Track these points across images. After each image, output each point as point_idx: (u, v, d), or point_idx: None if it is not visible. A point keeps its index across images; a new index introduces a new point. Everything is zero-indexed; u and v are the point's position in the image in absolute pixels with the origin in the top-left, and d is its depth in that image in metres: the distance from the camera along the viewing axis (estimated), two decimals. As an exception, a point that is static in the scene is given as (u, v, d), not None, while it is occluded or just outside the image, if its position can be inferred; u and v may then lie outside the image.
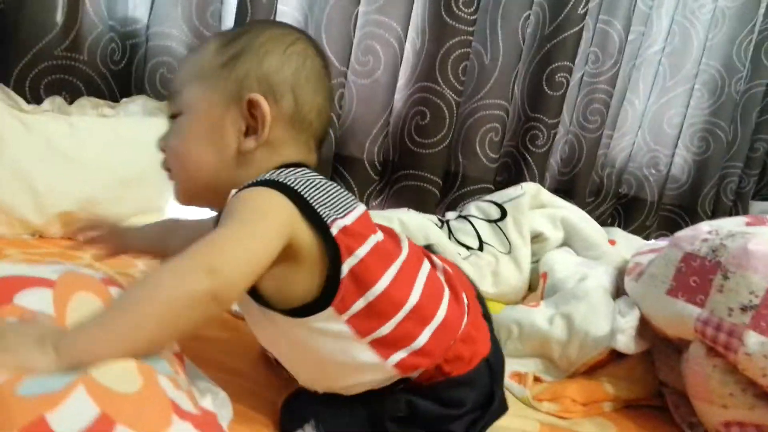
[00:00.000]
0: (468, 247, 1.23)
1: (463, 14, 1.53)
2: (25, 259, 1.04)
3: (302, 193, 0.64)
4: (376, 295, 0.64)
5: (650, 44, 1.86)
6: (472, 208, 1.32)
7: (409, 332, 0.67)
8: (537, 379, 1.01)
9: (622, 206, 2.02)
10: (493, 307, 1.16)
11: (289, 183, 0.64)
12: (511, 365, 1.04)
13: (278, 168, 0.68)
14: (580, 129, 1.82)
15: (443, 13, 1.53)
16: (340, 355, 0.66)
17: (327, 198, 0.66)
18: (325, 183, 0.69)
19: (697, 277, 0.91)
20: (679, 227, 1.98)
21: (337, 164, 1.55)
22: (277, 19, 1.39)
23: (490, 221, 1.27)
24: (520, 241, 1.22)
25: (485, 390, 0.73)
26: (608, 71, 1.78)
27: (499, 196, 1.30)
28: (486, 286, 1.19)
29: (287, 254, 0.63)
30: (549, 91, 1.68)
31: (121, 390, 0.49)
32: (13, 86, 1.20)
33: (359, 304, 0.64)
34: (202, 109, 0.70)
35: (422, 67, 1.58)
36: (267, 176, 0.66)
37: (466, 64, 1.57)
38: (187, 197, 0.74)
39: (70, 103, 1.25)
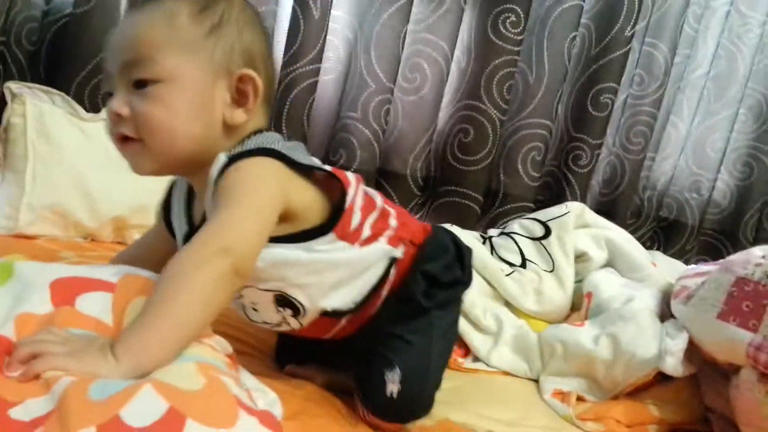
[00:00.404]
0: (511, 264, 1.23)
1: (509, 34, 1.54)
2: (80, 262, 1.07)
3: (289, 155, 0.71)
4: (359, 217, 0.76)
5: (695, 67, 1.85)
6: (515, 225, 1.32)
7: (382, 226, 0.79)
8: (580, 399, 1.01)
9: (662, 229, 1.99)
10: (536, 326, 1.17)
11: (277, 148, 0.71)
12: (554, 384, 1.05)
13: (252, 134, 0.74)
14: (623, 150, 1.81)
15: (490, 32, 1.55)
16: (345, 261, 0.76)
17: (305, 156, 0.76)
18: (295, 143, 0.78)
19: (750, 301, 0.90)
20: (720, 253, 1.96)
21: (380, 178, 1.57)
22: (328, 37, 1.43)
23: (533, 239, 1.27)
24: (564, 260, 1.22)
25: (450, 239, 0.88)
26: (653, 93, 1.78)
27: (542, 214, 1.30)
28: (529, 304, 1.19)
29: (286, 214, 0.71)
30: (593, 112, 1.68)
31: (186, 387, 0.51)
32: (73, 95, 1.25)
33: (352, 224, 0.75)
34: (189, 79, 0.70)
35: (467, 85, 1.60)
36: (253, 144, 0.72)
37: (511, 83, 1.58)
38: (158, 167, 0.73)
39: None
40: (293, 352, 0.90)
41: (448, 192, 1.63)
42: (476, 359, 1.12)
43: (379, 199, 0.82)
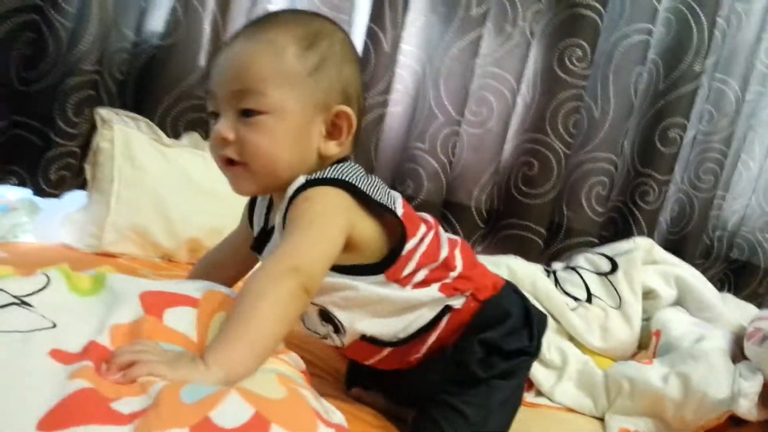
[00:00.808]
0: (576, 298, 1.22)
1: (575, 68, 1.55)
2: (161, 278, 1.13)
3: (363, 188, 0.74)
4: (416, 262, 0.77)
5: (767, 105, 1.81)
6: (581, 259, 1.31)
7: (440, 276, 0.79)
8: (647, 439, 0.98)
9: (732, 271, 1.93)
10: (601, 362, 1.15)
11: (351, 180, 0.74)
12: (620, 422, 1.02)
13: (335, 163, 0.77)
14: (692, 188, 1.78)
15: (556, 66, 1.56)
16: (391, 299, 0.76)
17: (381, 192, 0.77)
18: (374, 177, 0.80)
19: (830, 345, 0.87)
20: (794, 297, 1.88)
21: (445, 209, 1.58)
22: (397, 69, 1.47)
23: (599, 274, 1.25)
24: (632, 296, 1.20)
25: (519, 305, 0.84)
26: (723, 130, 1.75)
27: (609, 249, 1.29)
28: (594, 340, 1.17)
29: (347, 243, 0.73)
30: (661, 148, 1.66)
31: (269, 396, 0.54)
32: (157, 122, 1.32)
33: (405, 271, 0.76)
34: (292, 113, 0.75)
35: (532, 118, 1.61)
36: (330, 173, 0.75)
37: (576, 117, 1.58)
38: (257, 189, 0.80)
39: (206, 139, 1.36)
40: (362, 377, 0.90)
41: (512, 224, 1.63)
42: (539, 393, 1.11)
43: (445, 250, 0.81)
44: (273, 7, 1.42)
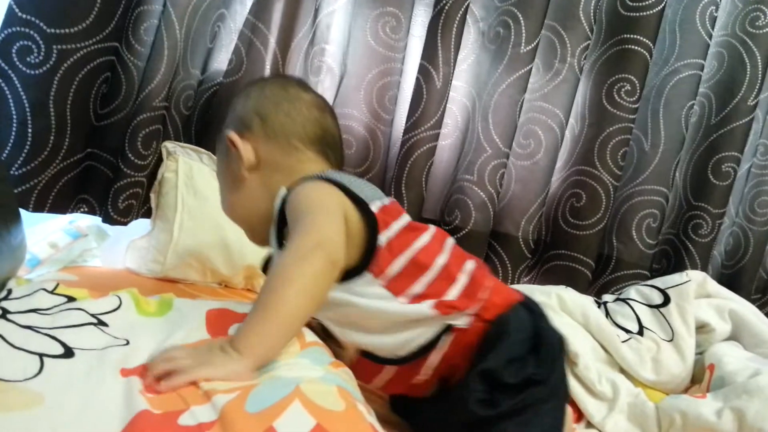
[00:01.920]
0: (627, 331, 1.21)
1: (624, 102, 1.56)
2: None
3: (341, 182, 0.77)
4: (407, 260, 0.75)
5: (824, 138, 1.78)
6: (632, 291, 1.30)
7: (439, 289, 0.75)
8: (701, 475, 0.96)
9: (790, 307, 1.88)
10: (653, 395, 1.13)
11: (329, 177, 0.78)
12: (672, 457, 1.01)
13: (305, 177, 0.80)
14: (747, 221, 1.75)
15: (604, 101, 1.58)
16: (384, 312, 0.74)
17: (362, 186, 0.80)
18: (357, 179, 0.82)
19: None
20: None
21: (492, 240, 1.60)
22: (448, 105, 1.51)
23: (651, 306, 1.24)
24: (684, 329, 1.18)
25: (528, 325, 0.76)
26: (779, 164, 1.72)
27: (661, 281, 1.27)
28: (646, 373, 1.16)
29: None
30: (714, 181, 1.65)
31: (330, 407, 0.56)
32: (218, 154, 1.38)
33: (392, 268, 0.74)
34: (219, 168, 0.94)
35: (581, 151, 1.62)
36: (307, 177, 0.80)
37: (625, 149, 1.59)
38: (250, 235, 0.95)
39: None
40: (403, 407, 0.87)
41: (559, 256, 1.63)
42: (590, 425, 1.10)
43: (444, 257, 0.78)
44: (330, 47, 1.49)
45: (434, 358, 0.75)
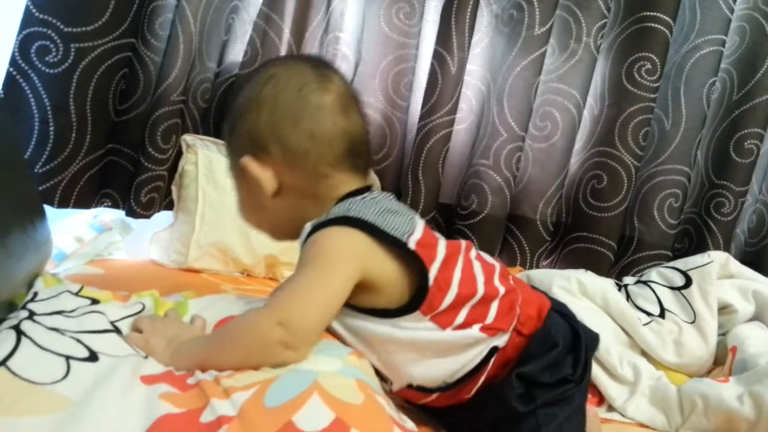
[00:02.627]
0: (648, 313, 1.21)
1: (645, 81, 1.54)
2: (240, 293, 1.19)
3: (372, 221, 0.70)
4: (454, 295, 0.71)
5: None
6: (653, 273, 1.29)
7: (480, 315, 0.73)
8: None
9: (818, 284, 1.84)
10: (675, 378, 1.13)
11: (359, 216, 0.70)
12: (694, 439, 1.01)
13: (339, 201, 0.75)
14: (771, 198, 1.72)
15: (624, 80, 1.56)
16: (434, 341, 0.71)
17: (393, 221, 0.72)
18: (387, 207, 0.74)
19: None
20: None
21: (510, 223, 1.59)
22: (463, 89, 1.50)
23: (673, 288, 1.23)
24: (707, 311, 1.18)
25: (566, 330, 0.77)
26: (804, 139, 1.68)
27: (683, 263, 1.26)
28: (668, 355, 1.15)
29: (364, 285, 0.69)
30: (737, 158, 1.62)
31: (349, 401, 0.57)
32: (237, 146, 1.39)
33: (443, 305, 0.71)
34: (234, 180, 0.81)
35: (600, 131, 1.61)
36: (336, 213, 0.73)
37: (646, 129, 1.57)
38: (272, 238, 0.84)
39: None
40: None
41: (580, 238, 1.62)
42: (611, 408, 1.10)
43: (480, 280, 0.75)
44: (344, 35, 1.49)
45: (481, 379, 0.75)
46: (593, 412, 0.97)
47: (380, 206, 0.74)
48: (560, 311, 0.81)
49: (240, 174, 0.77)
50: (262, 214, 0.79)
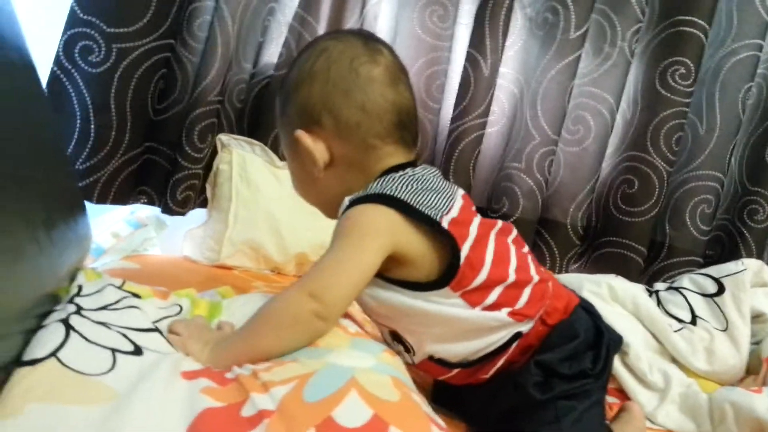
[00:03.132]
0: (679, 320, 1.20)
1: (679, 86, 1.52)
2: (270, 291, 1.21)
3: (407, 200, 0.72)
4: (486, 275, 0.73)
5: None
6: (685, 280, 1.28)
7: (511, 298, 0.75)
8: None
9: None
10: (706, 386, 1.12)
11: (394, 194, 0.73)
12: (724, 449, 1.00)
13: (382, 175, 0.77)
14: (807, 206, 1.69)
15: (658, 84, 1.54)
16: (463, 319, 0.73)
17: (429, 199, 0.74)
18: (425, 185, 0.76)
19: None
20: None
21: (540, 227, 1.59)
22: (495, 92, 1.50)
23: (705, 295, 1.22)
24: (740, 319, 1.16)
25: (589, 326, 0.79)
26: (840, 146, 1.65)
27: (715, 270, 1.25)
28: (699, 363, 1.14)
29: (396, 259, 0.72)
30: (772, 165, 1.60)
31: (386, 398, 0.58)
32: (270, 145, 1.42)
33: (474, 284, 0.72)
34: (288, 156, 0.84)
35: (633, 136, 1.59)
36: (373, 189, 0.75)
37: (679, 134, 1.55)
38: (326, 215, 0.85)
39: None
40: (445, 396, 0.87)
41: (610, 243, 1.61)
42: (640, 415, 1.10)
43: (513, 266, 0.77)
44: (379, 25, 1.49)
45: (501, 360, 0.77)
46: (639, 409, 0.97)
47: (419, 184, 0.76)
48: (587, 309, 0.83)
49: (293, 147, 0.80)
50: (314, 187, 0.82)
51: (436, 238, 0.73)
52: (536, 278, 0.78)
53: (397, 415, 0.55)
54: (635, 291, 1.21)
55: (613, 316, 1.16)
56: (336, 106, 0.76)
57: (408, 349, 0.79)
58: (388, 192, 0.73)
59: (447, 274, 0.72)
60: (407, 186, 0.75)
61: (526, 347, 0.76)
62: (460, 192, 0.82)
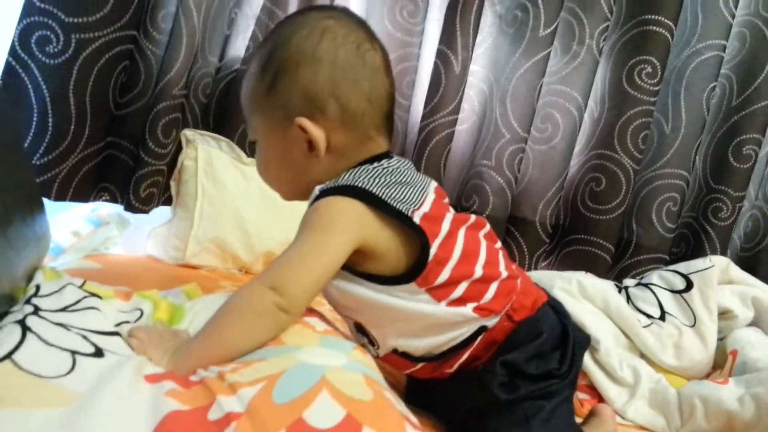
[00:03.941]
0: (648, 316, 1.21)
1: (645, 85, 1.54)
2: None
3: (379, 194, 0.70)
4: (451, 270, 0.71)
5: None
6: (654, 276, 1.29)
7: (477, 293, 0.73)
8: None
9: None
10: (674, 381, 1.13)
11: (364, 187, 0.70)
12: (694, 443, 1.01)
13: (357, 165, 0.74)
14: (767, 204, 1.73)
15: (625, 83, 1.56)
16: (427, 315, 0.72)
17: (401, 193, 0.71)
18: (398, 178, 0.73)
19: None
20: None
21: (509, 225, 1.59)
22: (465, 90, 1.49)
23: (673, 291, 1.24)
24: (707, 315, 1.18)
25: (555, 324, 0.78)
26: (801, 145, 1.70)
27: (684, 266, 1.27)
28: (667, 358, 1.16)
29: (363, 253, 0.70)
30: (735, 164, 1.63)
31: (358, 397, 0.56)
32: (237, 141, 1.39)
33: (439, 280, 0.71)
34: (266, 137, 0.77)
35: (600, 134, 1.61)
36: (345, 180, 0.72)
37: (646, 132, 1.57)
38: (286, 198, 0.82)
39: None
40: (419, 395, 0.86)
41: (578, 240, 1.62)
42: (610, 411, 1.10)
43: (481, 261, 0.75)
44: None
45: (465, 354, 0.76)
46: (610, 412, 0.98)
47: (392, 177, 0.73)
48: (555, 307, 0.82)
49: (278, 130, 0.74)
50: (294, 174, 0.77)
51: (406, 233, 0.71)
52: (504, 274, 0.77)
53: (371, 415, 0.54)
54: (605, 287, 1.22)
55: (583, 312, 1.16)
56: (344, 95, 0.72)
57: (372, 342, 0.78)
58: (359, 184, 0.71)
59: (414, 269, 0.70)
60: (379, 178, 0.72)
61: (490, 342, 0.75)
62: (433, 185, 0.80)
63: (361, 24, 0.76)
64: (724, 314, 1.22)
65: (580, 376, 1.11)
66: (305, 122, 0.72)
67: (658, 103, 1.59)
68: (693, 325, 1.18)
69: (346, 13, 0.77)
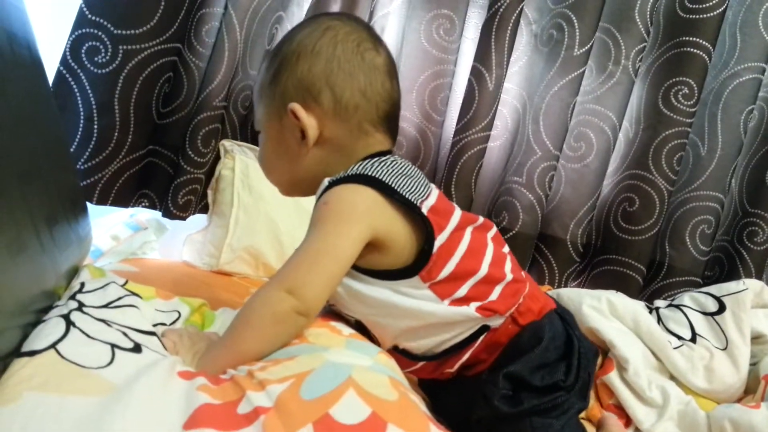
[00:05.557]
0: (679, 337, 1.19)
1: (681, 106, 1.53)
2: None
3: (389, 182, 0.71)
4: (455, 265, 0.71)
5: None
6: (686, 298, 1.27)
7: (482, 292, 0.73)
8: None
9: None
10: (704, 404, 1.11)
11: (375, 175, 0.71)
12: (724, 466, 0.99)
13: (367, 157, 0.76)
14: (806, 229, 1.69)
15: (661, 104, 1.55)
16: (429, 313, 0.72)
17: (409, 185, 0.72)
18: (404, 169, 0.75)
19: None
20: None
21: (540, 243, 1.59)
22: (499, 107, 1.51)
23: (705, 314, 1.22)
24: (740, 338, 1.16)
25: (560, 332, 0.77)
26: (841, 171, 1.66)
27: (717, 289, 1.24)
28: (698, 381, 1.14)
29: (371, 244, 0.70)
30: (772, 188, 1.60)
31: (384, 397, 0.57)
32: (272, 153, 1.41)
33: (442, 274, 0.71)
34: (267, 127, 0.79)
35: (634, 154, 1.60)
36: (354, 170, 0.73)
37: (681, 154, 1.56)
38: (285, 193, 0.84)
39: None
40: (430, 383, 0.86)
41: (610, 260, 1.61)
42: (638, 431, 1.09)
43: (486, 260, 0.75)
44: (386, 37, 1.49)
45: (467, 354, 0.76)
46: (614, 420, 0.97)
47: (399, 169, 0.75)
48: (562, 316, 0.81)
49: (276, 119, 0.77)
50: (289, 164, 0.78)
51: (413, 224, 0.72)
52: (510, 277, 0.77)
53: (396, 414, 0.55)
54: (635, 307, 1.21)
55: (613, 331, 1.15)
56: (338, 86, 0.74)
57: (373, 341, 0.77)
58: (369, 173, 0.72)
59: (418, 261, 0.71)
60: (388, 169, 0.73)
61: (493, 344, 0.75)
62: (434, 186, 0.82)
63: (366, 28, 0.79)
64: (757, 338, 1.19)
65: (608, 395, 1.11)
66: (297, 108, 0.74)
67: (694, 125, 1.58)
68: (725, 348, 1.16)
69: (354, 18, 0.80)
